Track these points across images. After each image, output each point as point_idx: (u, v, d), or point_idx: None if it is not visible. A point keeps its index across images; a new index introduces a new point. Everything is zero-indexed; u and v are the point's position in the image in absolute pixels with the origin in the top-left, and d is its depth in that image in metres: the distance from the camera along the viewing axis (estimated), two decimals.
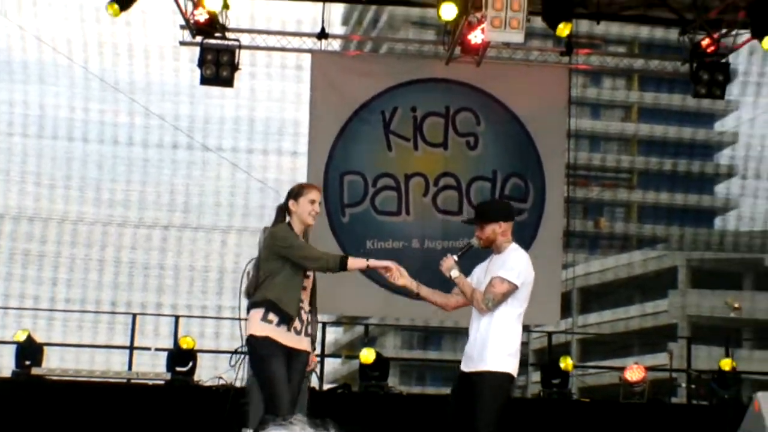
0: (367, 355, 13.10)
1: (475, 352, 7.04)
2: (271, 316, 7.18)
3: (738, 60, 15.46)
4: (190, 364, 12.34)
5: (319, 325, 13.72)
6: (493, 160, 14.59)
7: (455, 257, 7.34)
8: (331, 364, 35.05)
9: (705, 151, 28.06)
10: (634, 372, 13.41)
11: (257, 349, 7.20)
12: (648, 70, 15.81)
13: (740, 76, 16.03)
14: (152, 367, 12.76)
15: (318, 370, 12.98)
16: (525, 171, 14.56)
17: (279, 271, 7.20)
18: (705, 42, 14.13)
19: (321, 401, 10.98)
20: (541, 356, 31.12)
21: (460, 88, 14.59)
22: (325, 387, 14.60)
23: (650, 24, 16.99)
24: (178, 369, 12.30)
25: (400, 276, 7.18)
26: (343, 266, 7.19)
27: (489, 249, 7.29)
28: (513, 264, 7.12)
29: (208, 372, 12.39)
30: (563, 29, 12.69)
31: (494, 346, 7.00)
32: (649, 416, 12.41)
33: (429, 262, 13.80)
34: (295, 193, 7.59)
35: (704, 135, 28.35)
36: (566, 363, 13.42)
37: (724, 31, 14.00)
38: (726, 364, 13.25)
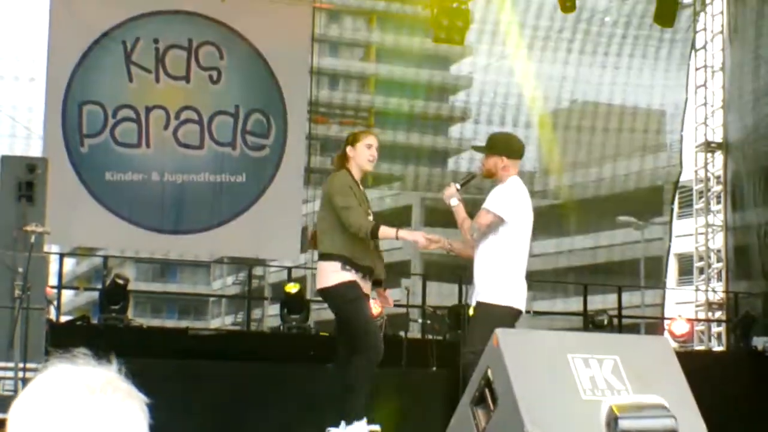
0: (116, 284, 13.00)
1: (474, 284, 7.28)
2: (348, 268, 7.30)
3: (475, 8, 15.94)
4: None
5: (56, 257, 13.57)
6: (235, 95, 14.65)
7: (457, 185, 7.52)
8: (68, 295, 34.45)
9: (440, 95, 28.75)
10: (372, 307, 13.80)
11: (345, 293, 7.47)
12: (390, 13, 16.14)
13: (476, 23, 16.51)
14: None
15: (55, 302, 12.82)
16: (267, 107, 14.69)
17: (341, 223, 7.44)
18: None
19: (61, 334, 10.90)
20: (279, 290, 31.45)
21: (204, 22, 14.56)
22: (63, 319, 14.43)
23: None
24: None
25: (432, 242, 7.37)
26: (374, 234, 7.33)
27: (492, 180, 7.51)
28: (499, 196, 7.28)
29: None
30: None
31: (484, 277, 7.21)
32: (387, 350, 12.80)
33: (169, 194, 13.96)
34: (352, 139, 7.65)
35: (440, 78, 29.07)
36: (292, 288, 13.70)
37: None
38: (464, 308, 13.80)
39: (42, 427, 1.80)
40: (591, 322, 14.62)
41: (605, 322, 14.30)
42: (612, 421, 4.75)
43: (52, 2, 14.03)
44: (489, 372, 5.29)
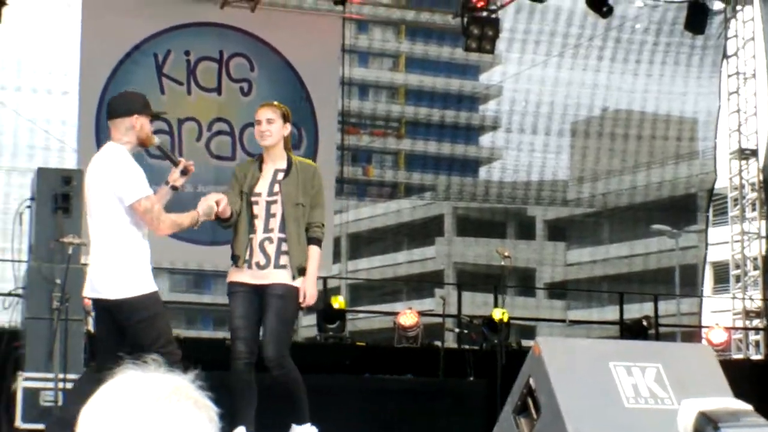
0: None
1: None
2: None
3: (504, 17, 15.93)
4: None
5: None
6: None
7: None
8: None
9: (470, 103, 28.74)
10: (408, 317, 13.77)
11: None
12: (419, 22, 16.14)
13: (506, 32, 16.48)
14: None
15: (93, 313, 12.81)
16: (298, 118, 14.62)
17: None
18: None
19: None
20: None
21: (235, 34, 14.59)
22: None
23: None
24: None
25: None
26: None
27: None
28: None
29: None
30: None
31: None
32: (423, 359, 12.77)
33: None
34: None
35: (470, 87, 29.05)
36: (339, 302, 13.68)
37: None
38: (499, 313, 13.74)
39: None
40: (628, 329, 14.55)
41: (644, 323, 14.27)
42: (708, 428, 4.65)
43: (84, 17, 14.09)
44: (531, 381, 5.25)
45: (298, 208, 7.25)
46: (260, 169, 7.38)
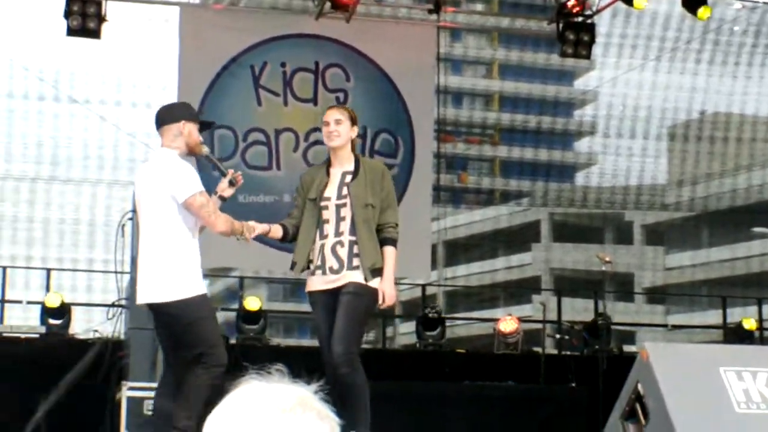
0: (252, 304, 13.19)
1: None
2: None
3: (600, 21, 15.83)
4: (65, 317, 12.26)
5: None
6: (362, 117, 14.49)
7: None
8: None
9: (566, 109, 28.61)
10: (508, 323, 13.65)
11: None
12: (514, 29, 16.09)
13: (602, 36, 16.38)
14: (25, 320, 12.63)
15: None
16: (394, 127, 14.70)
17: None
18: (570, 2, 14.43)
19: None
20: (409, 308, 31.50)
21: (330, 44, 14.64)
22: None
23: None
24: (52, 322, 12.20)
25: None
26: None
27: None
28: None
29: (82, 325, 12.32)
30: None
31: None
32: (523, 366, 12.71)
33: None
34: None
35: (566, 93, 28.92)
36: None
37: None
38: (598, 317, 13.65)
39: None
40: (733, 333, 14.34)
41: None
42: None
43: (181, 31, 14.25)
44: (639, 386, 5.20)
45: (367, 209, 7.19)
46: (328, 173, 7.35)
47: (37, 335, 12.09)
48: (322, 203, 7.28)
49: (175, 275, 6.84)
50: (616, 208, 18.66)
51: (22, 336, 12.09)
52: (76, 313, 12.63)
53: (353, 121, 7.42)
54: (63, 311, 12.27)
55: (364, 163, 7.41)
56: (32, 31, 15.63)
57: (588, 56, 14.94)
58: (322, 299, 7.28)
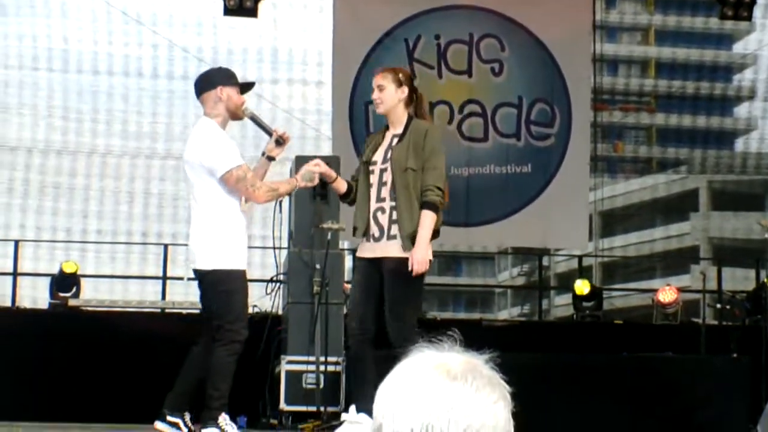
0: None
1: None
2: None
3: None
4: None
5: (348, 253, 13.92)
6: (518, 86, 14.61)
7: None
8: None
9: (725, 74, 28.01)
10: (667, 294, 13.47)
11: None
12: None
13: None
14: (185, 296, 12.89)
15: None
16: (551, 96, 14.57)
17: None
18: None
19: None
20: (563, 280, 31.29)
21: (484, 15, 14.58)
22: None
23: None
24: None
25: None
26: None
27: None
28: None
29: None
30: None
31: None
32: (683, 337, 12.54)
33: (457, 188, 14.07)
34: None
35: (725, 57, 28.30)
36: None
37: None
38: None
39: (403, 409, 1.84)
40: None
41: None
42: None
43: (336, 8, 14.35)
44: None
45: (407, 173, 6.98)
46: (383, 137, 7.28)
47: (197, 310, 12.33)
48: (371, 167, 7.21)
49: (217, 245, 7.02)
50: None
51: (184, 312, 12.37)
52: None
53: (400, 83, 7.28)
54: None
55: (412, 125, 7.21)
56: (190, 12, 15.91)
57: (749, 17, 14.57)
58: (362, 265, 7.19)
